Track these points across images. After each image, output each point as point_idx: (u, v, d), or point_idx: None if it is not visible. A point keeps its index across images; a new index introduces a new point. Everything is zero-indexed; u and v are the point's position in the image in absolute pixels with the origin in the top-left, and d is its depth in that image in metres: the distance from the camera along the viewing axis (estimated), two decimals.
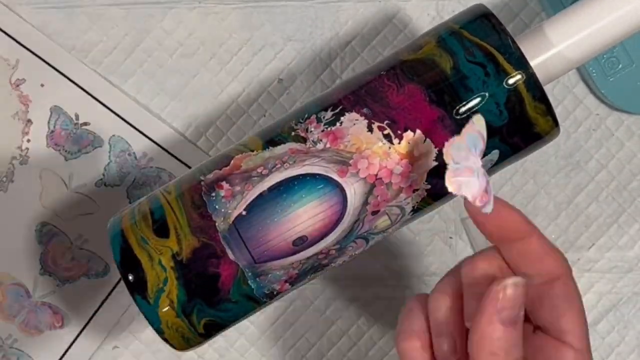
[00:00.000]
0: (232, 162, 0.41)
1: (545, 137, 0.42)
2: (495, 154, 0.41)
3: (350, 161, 0.40)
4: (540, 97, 0.40)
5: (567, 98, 0.57)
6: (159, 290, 0.40)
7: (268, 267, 0.41)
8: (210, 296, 0.41)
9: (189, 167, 0.54)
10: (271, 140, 0.41)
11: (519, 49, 0.40)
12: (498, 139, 0.41)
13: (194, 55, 0.56)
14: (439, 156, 0.40)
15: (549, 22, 0.42)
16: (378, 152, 0.40)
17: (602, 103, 0.57)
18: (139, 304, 0.40)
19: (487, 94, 0.40)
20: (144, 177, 0.54)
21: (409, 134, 0.40)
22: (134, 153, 0.55)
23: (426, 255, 0.57)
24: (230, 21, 0.56)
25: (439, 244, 0.57)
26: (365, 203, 0.40)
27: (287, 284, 0.42)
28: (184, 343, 0.42)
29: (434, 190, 0.41)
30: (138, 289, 0.40)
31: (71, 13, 0.55)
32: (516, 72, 0.40)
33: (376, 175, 0.40)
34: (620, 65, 0.55)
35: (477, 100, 0.40)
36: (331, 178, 0.40)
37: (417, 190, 0.41)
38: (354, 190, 0.40)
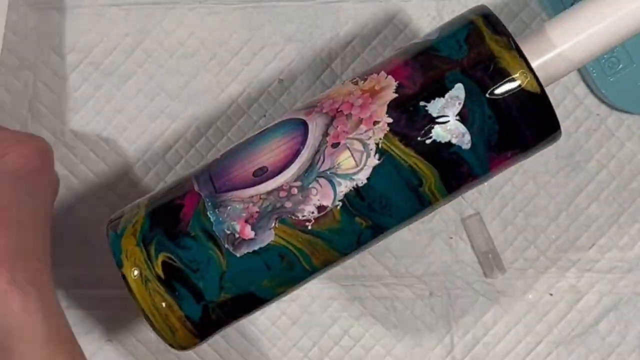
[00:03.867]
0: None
1: (516, 79, 0.40)
2: (459, 89, 0.41)
3: (318, 104, 0.43)
4: (498, 30, 0.41)
5: (567, 98, 0.57)
6: (127, 222, 0.43)
7: (228, 198, 0.41)
8: (170, 225, 0.42)
9: None
10: None
11: (520, 49, 0.40)
12: (459, 70, 0.41)
13: (194, 56, 0.56)
14: (399, 88, 0.41)
15: (550, 23, 0.42)
16: (343, 92, 0.42)
17: (603, 103, 0.57)
18: (110, 239, 0.42)
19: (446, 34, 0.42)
20: None
21: (373, 76, 0.42)
22: None
23: (426, 255, 0.57)
24: (231, 21, 0.56)
25: (439, 244, 0.57)
26: (326, 134, 0.41)
27: (248, 226, 0.41)
28: (143, 288, 0.41)
29: (396, 126, 0.41)
30: (114, 224, 0.43)
31: (71, 13, 0.55)
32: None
33: (337, 108, 0.42)
34: (620, 65, 0.55)
35: (437, 34, 0.43)
36: (298, 118, 0.42)
37: (377, 122, 0.41)
38: (315, 123, 0.42)
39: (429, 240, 0.57)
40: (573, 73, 0.57)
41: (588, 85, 0.57)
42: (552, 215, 0.57)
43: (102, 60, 0.56)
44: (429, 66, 0.41)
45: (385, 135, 0.41)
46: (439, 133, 0.40)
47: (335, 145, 0.41)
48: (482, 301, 0.57)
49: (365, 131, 0.41)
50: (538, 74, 0.40)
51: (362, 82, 0.42)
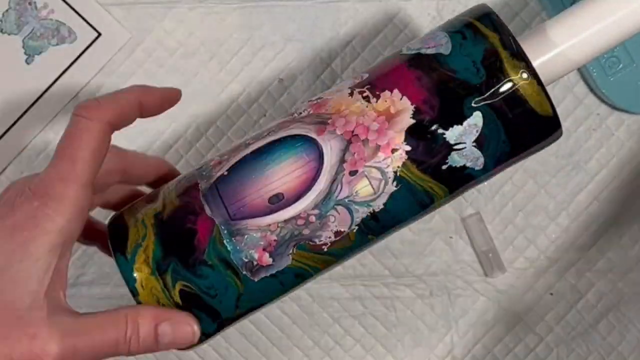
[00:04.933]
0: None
1: (534, 108, 0.40)
2: (478, 117, 0.40)
3: (329, 120, 0.41)
4: (516, 52, 0.40)
5: (567, 98, 0.57)
6: (136, 245, 0.41)
7: (244, 226, 0.40)
8: (185, 253, 0.41)
9: (89, 24, 0.54)
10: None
11: (521, 48, 0.40)
12: (478, 95, 0.40)
13: (194, 55, 0.56)
14: (416, 113, 0.40)
15: (551, 22, 0.42)
16: (355, 111, 0.41)
17: (603, 103, 0.57)
18: (118, 262, 0.41)
19: (462, 50, 0.41)
20: (42, 28, 0.54)
21: (386, 93, 0.41)
22: (34, 2, 0.54)
23: (426, 255, 0.57)
24: (231, 21, 0.56)
25: (439, 244, 0.57)
26: (342, 160, 0.40)
27: (266, 254, 0.41)
28: None
29: (414, 154, 0.40)
30: (119, 246, 0.41)
31: None
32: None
33: (352, 131, 0.40)
34: (620, 65, 0.55)
35: (447, 45, 0.41)
36: (309, 136, 0.41)
37: (396, 150, 0.40)
38: (330, 147, 0.40)
39: (429, 240, 0.57)
40: (573, 73, 0.57)
41: (588, 85, 0.57)
42: (552, 214, 0.57)
43: (102, 60, 0.56)
44: (446, 90, 0.40)
45: (404, 163, 0.40)
46: (455, 159, 0.41)
47: (353, 173, 0.40)
48: (482, 301, 0.57)
49: (384, 159, 0.40)
50: (539, 73, 0.40)
51: (375, 99, 0.41)
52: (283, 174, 0.40)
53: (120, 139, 0.56)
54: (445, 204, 0.44)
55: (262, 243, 0.41)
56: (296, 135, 0.41)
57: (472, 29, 0.41)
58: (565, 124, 0.57)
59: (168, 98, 0.42)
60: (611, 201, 0.57)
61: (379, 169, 0.40)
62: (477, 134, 0.40)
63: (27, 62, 0.55)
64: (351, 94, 0.42)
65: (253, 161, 0.41)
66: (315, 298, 0.57)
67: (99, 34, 0.55)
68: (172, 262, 0.40)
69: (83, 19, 0.55)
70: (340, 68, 0.56)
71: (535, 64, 0.41)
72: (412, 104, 0.40)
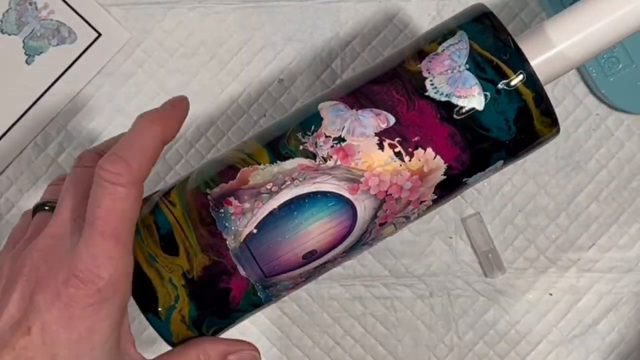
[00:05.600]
0: (238, 175, 0.40)
1: (544, 139, 0.42)
2: (499, 164, 0.42)
3: (362, 179, 0.40)
4: (546, 110, 0.41)
5: (567, 98, 0.57)
6: (170, 307, 0.40)
7: (278, 280, 0.41)
8: (220, 309, 0.41)
9: (89, 24, 0.54)
10: (279, 153, 0.41)
11: (519, 49, 0.40)
12: (505, 151, 0.41)
13: (194, 56, 0.56)
14: (448, 170, 0.41)
15: (549, 22, 0.42)
16: (389, 170, 0.40)
17: (602, 103, 0.57)
18: (151, 321, 0.41)
19: (497, 112, 0.41)
20: (42, 29, 0.54)
21: (419, 152, 0.40)
22: (35, 3, 0.54)
23: (426, 255, 0.57)
24: (231, 21, 0.56)
25: (439, 244, 0.57)
26: (375, 217, 0.41)
27: (292, 290, 0.43)
28: None
29: (439, 199, 0.42)
30: (149, 306, 0.40)
31: None
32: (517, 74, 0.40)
33: (386, 191, 0.40)
34: (620, 65, 0.55)
35: (489, 117, 0.41)
36: (342, 195, 0.40)
37: (424, 201, 0.41)
38: (364, 207, 0.40)
39: (429, 240, 0.57)
40: (573, 73, 0.57)
41: (588, 85, 0.57)
42: (552, 215, 0.57)
43: (102, 60, 0.56)
44: (477, 148, 0.41)
45: (428, 207, 0.42)
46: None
47: (383, 224, 0.41)
48: (482, 301, 0.57)
49: (412, 210, 0.42)
50: (537, 73, 0.40)
51: (408, 157, 0.40)
52: (317, 233, 0.40)
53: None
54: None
55: (291, 286, 0.42)
56: (328, 193, 0.40)
57: (504, 77, 0.40)
58: (565, 125, 0.57)
59: (183, 115, 0.40)
60: (611, 201, 0.57)
61: (405, 217, 0.42)
62: (493, 173, 0.43)
63: (27, 62, 0.55)
64: (381, 146, 0.40)
65: (283, 219, 0.40)
66: (315, 298, 0.57)
67: (99, 34, 0.55)
68: (208, 317, 0.41)
69: (83, 19, 0.55)
70: (340, 68, 0.56)
71: (533, 63, 0.41)
72: (444, 163, 0.40)
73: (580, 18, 0.42)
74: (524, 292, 0.57)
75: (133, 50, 0.56)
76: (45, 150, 0.56)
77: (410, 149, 0.40)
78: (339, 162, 0.40)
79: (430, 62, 0.41)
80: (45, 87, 0.55)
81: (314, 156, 0.40)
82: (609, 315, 0.58)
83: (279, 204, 0.40)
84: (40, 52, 0.55)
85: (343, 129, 0.40)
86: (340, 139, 0.40)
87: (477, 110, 0.40)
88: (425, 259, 0.57)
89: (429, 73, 0.41)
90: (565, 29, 0.42)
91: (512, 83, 0.40)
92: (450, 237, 0.57)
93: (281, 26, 0.56)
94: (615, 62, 0.55)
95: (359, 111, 0.40)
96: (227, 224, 0.40)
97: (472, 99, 0.40)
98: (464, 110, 0.40)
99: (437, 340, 0.57)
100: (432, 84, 0.41)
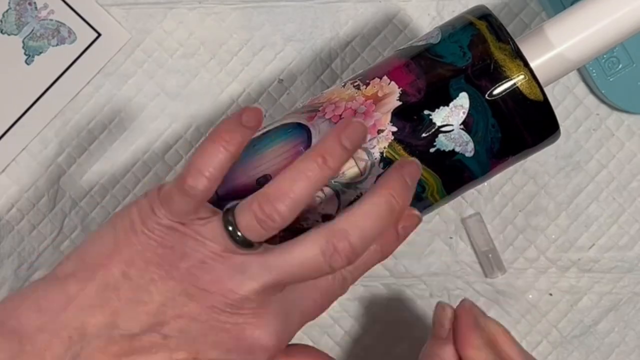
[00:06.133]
0: None
1: (520, 88, 0.41)
2: (463, 97, 0.41)
3: (320, 108, 0.42)
4: (503, 38, 0.41)
5: (567, 98, 0.57)
6: None
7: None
8: None
9: (89, 24, 0.54)
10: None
11: (519, 50, 0.41)
12: (463, 79, 0.41)
13: (194, 56, 0.56)
14: (403, 95, 0.41)
15: (549, 23, 0.42)
16: (345, 97, 0.42)
17: (602, 103, 0.57)
18: None
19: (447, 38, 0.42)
20: (42, 29, 0.54)
21: (375, 80, 0.42)
22: (34, 3, 0.54)
23: (426, 255, 0.57)
24: (231, 21, 0.56)
25: (439, 244, 0.57)
26: None
27: None
28: None
29: (400, 134, 0.41)
30: None
31: None
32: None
33: (340, 115, 0.41)
34: (620, 65, 0.55)
35: (438, 37, 0.42)
36: (300, 123, 0.42)
37: (382, 130, 0.41)
38: (318, 130, 0.41)
39: (429, 240, 0.57)
40: (573, 73, 0.57)
41: (588, 85, 0.57)
42: (552, 215, 0.57)
43: (102, 60, 0.56)
44: (432, 73, 0.41)
45: (390, 144, 0.41)
46: (442, 142, 0.40)
47: None
48: (482, 301, 0.57)
49: (370, 140, 0.41)
50: (537, 74, 0.40)
51: (364, 86, 0.42)
52: (272, 157, 0.41)
53: (121, 140, 0.56)
54: (443, 202, 0.43)
55: None
56: (288, 124, 0.42)
57: (463, 20, 0.42)
58: (565, 125, 0.57)
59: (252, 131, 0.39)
60: (611, 201, 0.57)
61: (364, 149, 0.41)
62: (464, 116, 0.40)
63: (27, 62, 0.55)
64: (344, 85, 0.43)
65: (247, 148, 0.40)
66: None
67: (99, 35, 0.55)
68: None
69: (83, 19, 0.55)
70: (340, 68, 0.56)
71: (533, 65, 0.41)
72: (399, 87, 0.41)
73: (580, 19, 0.42)
74: (524, 292, 0.57)
75: (133, 50, 0.56)
76: (45, 150, 0.56)
77: (367, 81, 0.42)
78: (306, 104, 0.43)
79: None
80: (45, 87, 0.55)
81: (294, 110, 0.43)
82: (609, 315, 0.58)
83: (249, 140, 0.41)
84: (40, 52, 0.55)
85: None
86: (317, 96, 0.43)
87: (432, 44, 0.42)
88: (425, 259, 0.57)
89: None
90: (565, 31, 0.42)
91: (468, 18, 0.42)
92: (450, 237, 0.57)
93: (281, 26, 0.56)
94: (616, 62, 0.55)
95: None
96: None
97: (430, 39, 0.42)
98: (420, 44, 0.42)
99: None
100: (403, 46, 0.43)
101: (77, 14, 0.55)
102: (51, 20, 0.54)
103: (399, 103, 0.41)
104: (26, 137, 0.56)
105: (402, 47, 0.44)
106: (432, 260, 0.57)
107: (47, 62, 0.55)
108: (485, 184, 0.57)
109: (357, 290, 0.57)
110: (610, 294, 0.58)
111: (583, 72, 0.56)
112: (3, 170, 0.56)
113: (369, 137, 0.40)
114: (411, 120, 0.40)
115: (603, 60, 0.55)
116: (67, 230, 0.56)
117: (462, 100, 0.40)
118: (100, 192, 0.56)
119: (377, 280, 0.57)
